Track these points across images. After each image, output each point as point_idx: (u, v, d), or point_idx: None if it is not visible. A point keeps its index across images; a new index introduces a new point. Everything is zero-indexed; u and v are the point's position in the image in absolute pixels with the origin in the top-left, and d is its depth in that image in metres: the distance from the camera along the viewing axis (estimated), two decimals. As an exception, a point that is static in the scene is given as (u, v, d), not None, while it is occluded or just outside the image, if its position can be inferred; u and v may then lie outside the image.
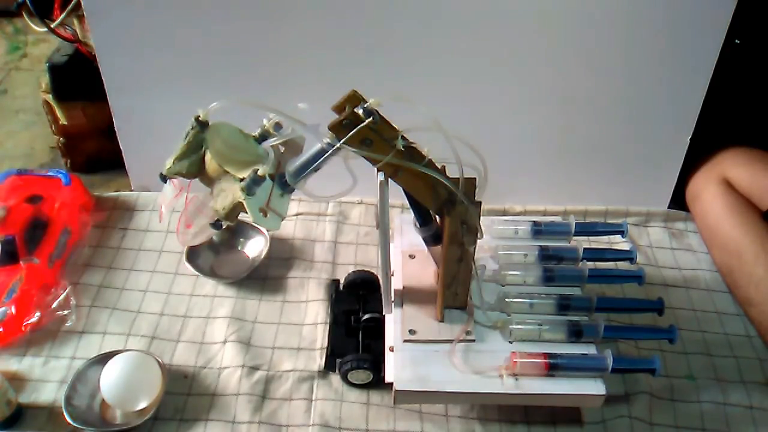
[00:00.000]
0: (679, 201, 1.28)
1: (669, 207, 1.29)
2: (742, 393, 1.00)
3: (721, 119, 1.22)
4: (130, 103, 1.21)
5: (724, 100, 1.18)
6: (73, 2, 1.22)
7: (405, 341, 0.90)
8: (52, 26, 1.26)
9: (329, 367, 1.00)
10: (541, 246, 1.01)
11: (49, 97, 1.35)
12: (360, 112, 0.71)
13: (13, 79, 1.71)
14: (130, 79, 1.18)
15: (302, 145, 0.82)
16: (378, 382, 0.97)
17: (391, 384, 0.86)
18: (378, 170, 0.76)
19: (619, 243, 1.20)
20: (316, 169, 0.76)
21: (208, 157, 0.79)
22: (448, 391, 0.85)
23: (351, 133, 0.71)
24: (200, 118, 0.78)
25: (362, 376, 0.97)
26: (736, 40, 1.16)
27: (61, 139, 1.38)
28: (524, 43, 1.11)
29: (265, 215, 0.75)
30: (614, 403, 0.97)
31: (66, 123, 1.35)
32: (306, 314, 1.09)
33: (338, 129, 0.71)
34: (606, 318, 0.91)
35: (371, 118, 0.71)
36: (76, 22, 1.28)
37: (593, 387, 0.85)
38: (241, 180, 0.74)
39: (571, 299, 0.94)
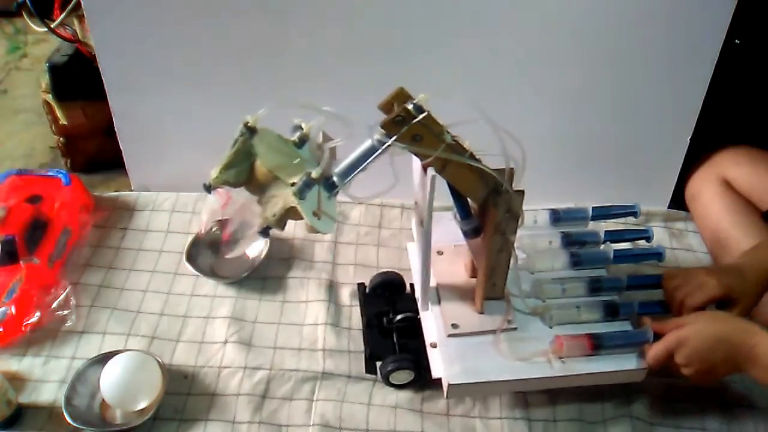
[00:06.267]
0: (679, 201, 1.28)
1: (669, 207, 1.29)
2: (742, 393, 0.99)
3: (721, 119, 1.22)
4: (130, 103, 1.21)
5: (724, 100, 1.18)
6: (73, 2, 1.22)
7: (449, 336, 0.91)
8: (52, 26, 1.26)
9: (370, 370, 1.00)
10: (563, 232, 1.04)
11: (49, 97, 1.35)
12: (410, 108, 0.71)
13: (13, 79, 1.71)
14: (130, 79, 1.18)
15: (335, 148, 0.82)
16: (419, 381, 0.97)
17: (436, 380, 0.89)
18: (424, 166, 0.76)
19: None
20: (363, 170, 0.75)
21: (257, 163, 0.78)
22: (501, 380, 0.87)
23: (403, 129, 0.71)
24: (249, 125, 0.77)
25: (404, 376, 0.97)
26: (736, 40, 1.16)
27: (61, 139, 1.38)
28: (523, 44, 1.11)
29: (319, 219, 0.75)
30: (614, 403, 0.97)
31: (66, 123, 1.35)
32: (306, 314, 1.09)
33: (391, 126, 0.71)
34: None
35: (424, 114, 0.71)
36: (76, 22, 1.28)
37: (635, 362, 0.88)
38: (292, 185, 0.73)
39: (602, 280, 0.98)
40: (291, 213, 0.75)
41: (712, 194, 1.18)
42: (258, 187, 0.79)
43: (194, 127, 1.22)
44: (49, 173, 1.22)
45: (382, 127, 0.72)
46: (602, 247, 1.04)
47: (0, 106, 1.62)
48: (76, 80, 1.31)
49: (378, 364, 0.99)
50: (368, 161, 0.74)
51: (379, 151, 0.73)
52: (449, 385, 0.87)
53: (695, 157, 1.23)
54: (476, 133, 0.73)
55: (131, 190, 1.32)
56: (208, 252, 1.18)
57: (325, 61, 1.14)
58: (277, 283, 1.14)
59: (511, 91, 1.16)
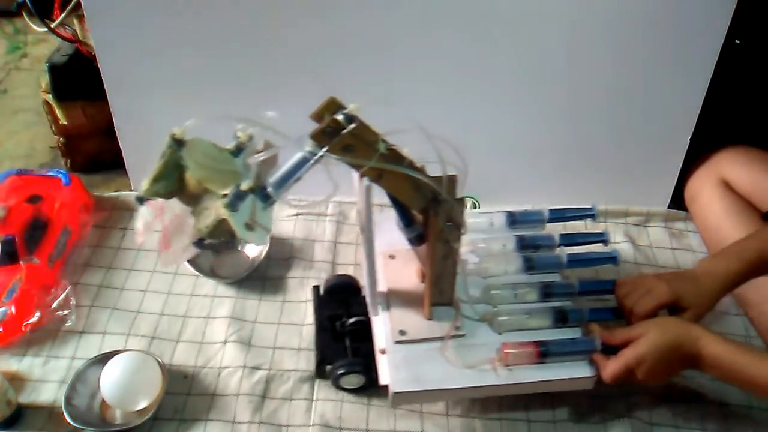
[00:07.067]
0: (679, 201, 1.28)
1: (669, 207, 1.29)
2: (742, 393, 0.99)
3: (721, 119, 1.22)
4: (130, 103, 1.21)
5: (724, 100, 1.18)
6: (73, 2, 1.22)
7: (396, 342, 0.90)
8: (52, 26, 1.26)
9: (320, 374, 0.99)
10: (517, 236, 1.02)
11: (49, 97, 1.35)
12: (341, 118, 0.69)
13: (13, 79, 1.71)
14: (130, 79, 1.18)
15: (277, 155, 0.81)
16: (370, 386, 0.96)
17: (386, 386, 0.86)
18: (361, 175, 0.75)
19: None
20: (298, 179, 0.74)
21: (187, 175, 0.76)
22: (446, 389, 0.85)
23: (332, 141, 0.69)
24: (176, 136, 0.75)
25: (355, 380, 0.96)
26: (736, 40, 1.16)
27: (61, 139, 1.38)
28: (523, 44, 1.11)
29: (252, 230, 0.74)
30: (614, 403, 0.97)
31: (66, 123, 1.35)
32: (306, 314, 1.09)
33: (320, 137, 0.70)
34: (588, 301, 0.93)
35: (354, 125, 0.69)
36: (76, 22, 1.28)
37: (583, 370, 0.87)
38: (224, 196, 0.72)
39: (553, 286, 0.96)
40: (224, 224, 0.73)
41: (712, 195, 1.18)
42: (191, 198, 0.77)
43: (194, 127, 1.22)
44: (49, 173, 1.22)
45: (312, 139, 0.70)
46: (557, 251, 1.02)
47: (0, 106, 1.62)
48: (76, 80, 1.31)
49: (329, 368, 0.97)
50: (302, 171, 0.73)
51: (311, 162, 0.71)
52: (393, 393, 0.85)
53: (695, 157, 1.23)
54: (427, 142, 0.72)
55: (131, 190, 1.32)
56: (208, 252, 1.18)
57: (326, 62, 1.13)
58: (277, 283, 1.14)
59: (511, 92, 1.16)
